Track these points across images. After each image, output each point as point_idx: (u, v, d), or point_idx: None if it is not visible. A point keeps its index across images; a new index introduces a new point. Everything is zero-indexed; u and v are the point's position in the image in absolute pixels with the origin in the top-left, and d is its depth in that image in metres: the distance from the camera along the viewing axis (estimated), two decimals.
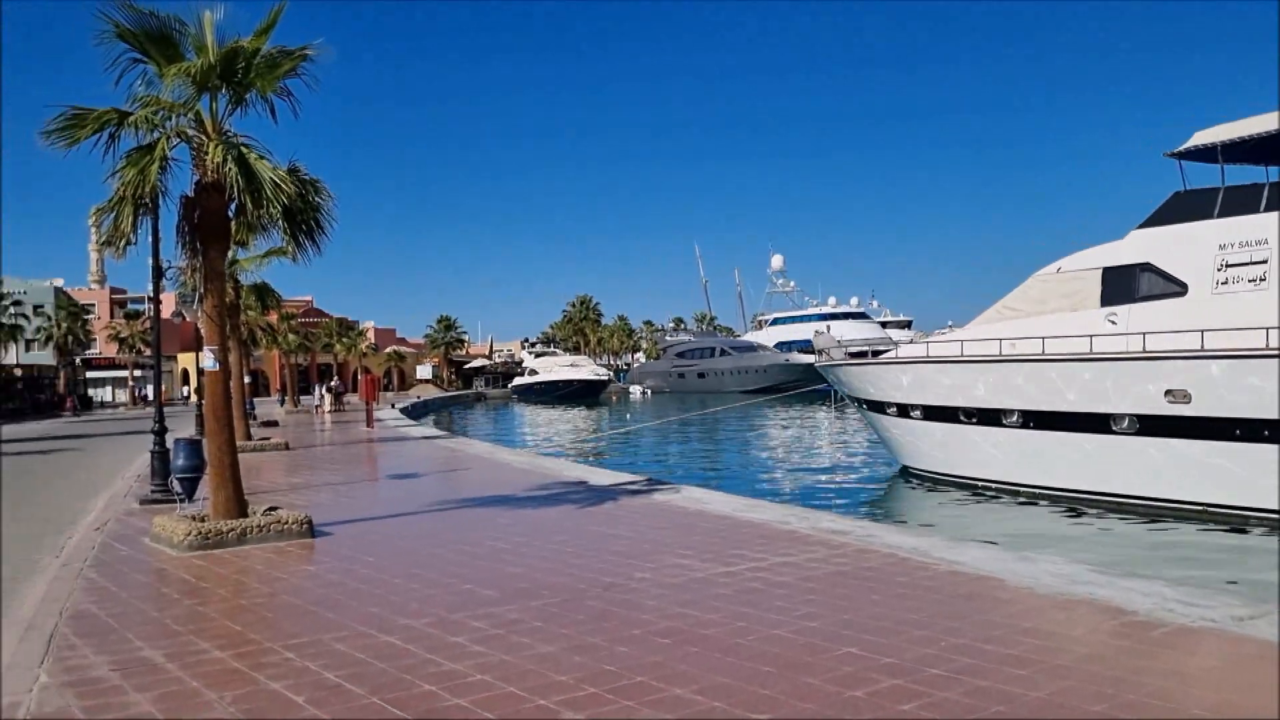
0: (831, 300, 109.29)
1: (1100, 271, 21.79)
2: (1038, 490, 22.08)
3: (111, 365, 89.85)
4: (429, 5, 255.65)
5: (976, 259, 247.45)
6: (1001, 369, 22.39)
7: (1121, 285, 21.30)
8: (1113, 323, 20.93)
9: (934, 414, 24.46)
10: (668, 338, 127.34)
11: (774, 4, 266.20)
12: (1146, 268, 20.98)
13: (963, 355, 23.57)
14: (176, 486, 14.05)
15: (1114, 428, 20.36)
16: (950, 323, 69.24)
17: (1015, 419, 22.24)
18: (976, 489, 23.44)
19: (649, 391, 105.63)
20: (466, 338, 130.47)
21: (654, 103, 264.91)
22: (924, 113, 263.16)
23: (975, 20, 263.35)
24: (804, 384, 60.07)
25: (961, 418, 23.55)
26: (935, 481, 24.95)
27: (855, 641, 6.88)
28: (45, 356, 76.95)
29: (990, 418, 22.80)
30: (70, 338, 75.43)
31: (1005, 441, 22.64)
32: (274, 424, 40.05)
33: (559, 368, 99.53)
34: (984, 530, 18.72)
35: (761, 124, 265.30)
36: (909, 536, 11.40)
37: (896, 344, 31.13)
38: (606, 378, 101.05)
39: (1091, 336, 20.58)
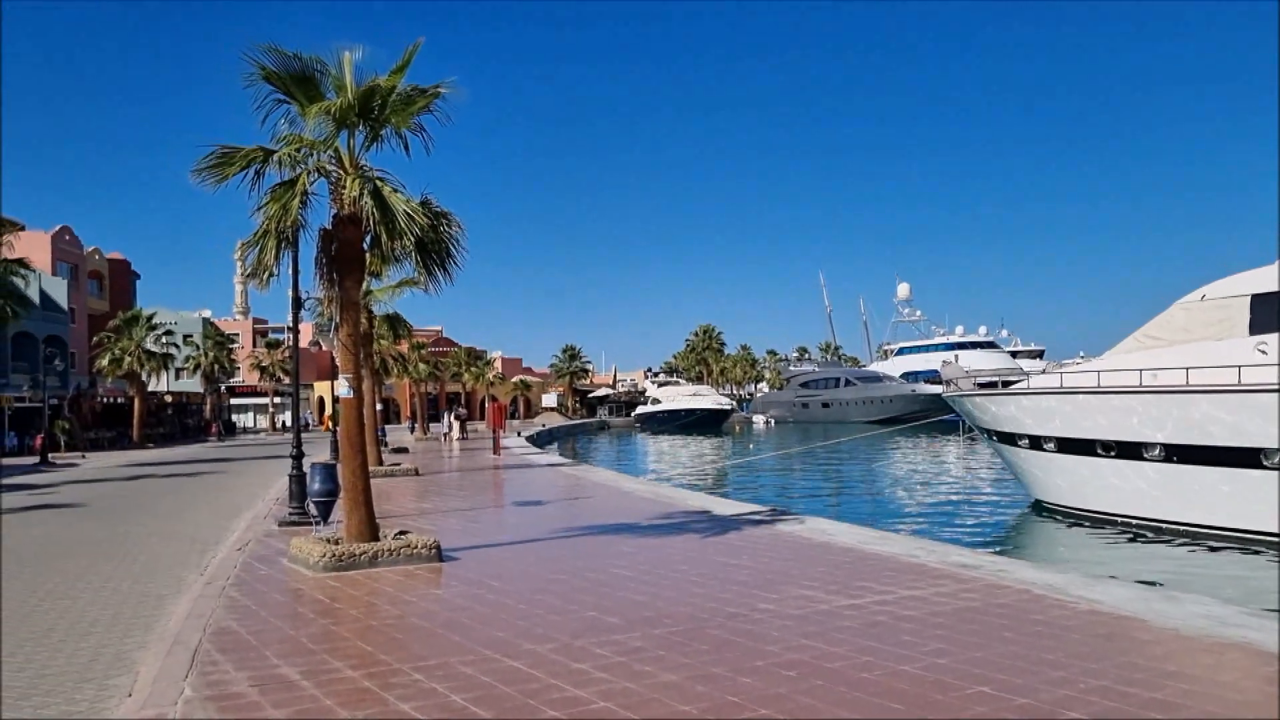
0: (959, 329, 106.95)
1: (1249, 299, 20.78)
2: (1181, 527, 21.08)
3: (253, 392, 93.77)
4: (545, 47, 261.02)
5: (1112, 286, 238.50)
6: (1142, 400, 21.50)
7: (1272, 313, 20.26)
8: (1263, 352, 19.91)
9: (1069, 446, 23.63)
10: (791, 367, 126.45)
11: (894, 36, 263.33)
12: None
13: (1100, 386, 22.72)
14: (312, 509, 14.55)
15: (1265, 463, 19.32)
16: (1082, 353, 66.98)
17: (1157, 453, 21.31)
18: (1115, 525, 22.51)
19: (772, 421, 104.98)
20: (591, 367, 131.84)
21: (777, 129, 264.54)
22: (1054, 135, 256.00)
23: (1100, 43, 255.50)
24: (931, 415, 58.86)
25: (1099, 451, 22.68)
26: (1070, 516, 24.06)
27: (987, 680, 6.66)
28: (193, 384, 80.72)
29: (1130, 451, 21.90)
30: (216, 366, 78.91)
31: (1146, 476, 21.71)
32: (404, 450, 41.04)
33: (682, 397, 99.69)
34: (1123, 568, 17.95)
35: (887, 150, 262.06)
36: (1043, 573, 11.00)
37: (1028, 374, 30.24)
38: (729, 407, 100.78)
39: (1240, 367, 19.61)
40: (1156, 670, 6.84)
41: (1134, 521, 22.18)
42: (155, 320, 62.54)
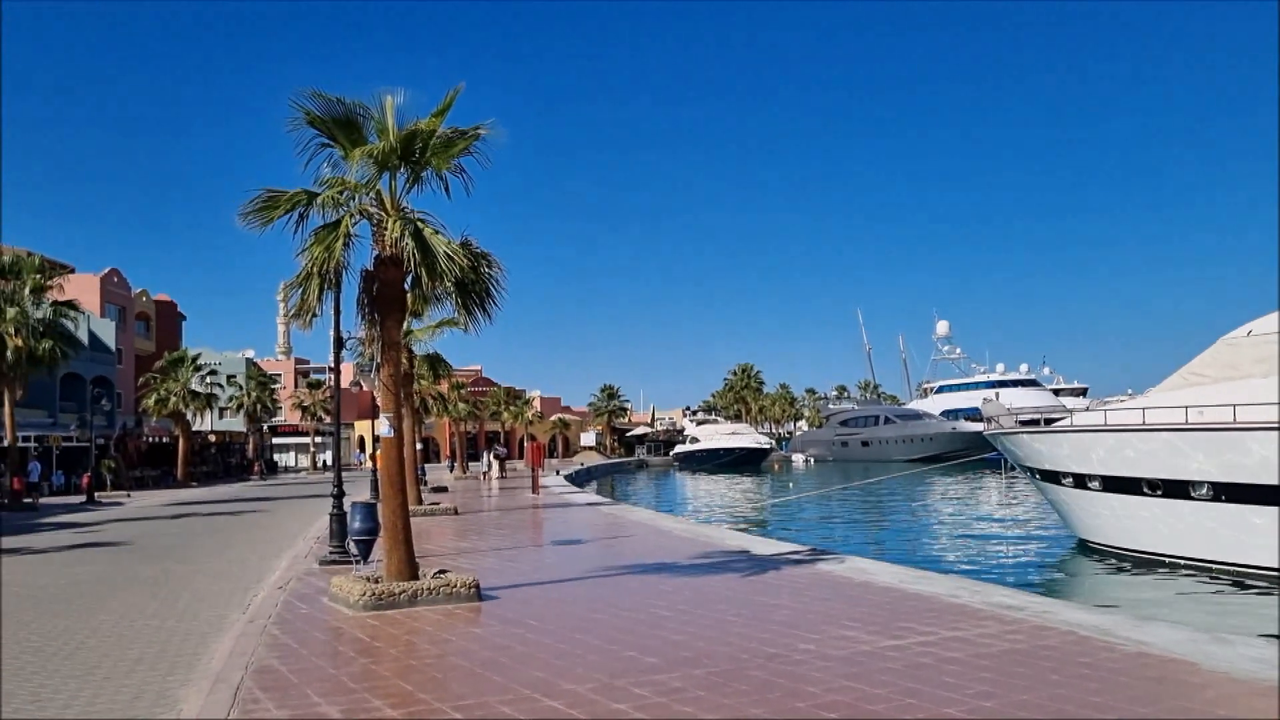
0: (1000, 367, 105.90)
1: None
2: (1230, 568, 20.65)
3: (295, 432, 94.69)
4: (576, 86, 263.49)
5: (1157, 323, 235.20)
6: (1189, 438, 21.17)
7: None
8: None
9: (1114, 485, 23.28)
10: (831, 406, 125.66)
11: (930, 71, 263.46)
12: None
13: (1145, 424, 22.41)
14: (353, 548, 14.63)
15: None
16: (1129, 390, 66.17)
17: (1205, 491, 20.94)
18: (1162, 565, 22.10)
19: (812, 460, 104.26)
20: (629, 406, 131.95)
21: (816, 166, 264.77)
22: (1096, 170, 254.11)
23: (1145, 77, 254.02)
24: (972, 453, 58.41)
25: (1145, 489, 22.33)
26: (1116, 556, 23.66)
27: None
28: (237, 423, 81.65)
29: (1177, 490, 21.54)
30: (259, 406, 79.83)
31: (1194, 515, 21.32)
32: (443, 489, 41.18)
33: (720, 436, 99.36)
34: (1172, 609, 17.60)
35: (925, 187, 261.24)
36: (1090, 614, 10.82)
37: (1070, 411, 29.89)
38: (768, 446, 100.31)
39: None
40: (1208, 715, 6.69)
41: (1181, 562, 21.77)
42: (200, 361, 63.44)
